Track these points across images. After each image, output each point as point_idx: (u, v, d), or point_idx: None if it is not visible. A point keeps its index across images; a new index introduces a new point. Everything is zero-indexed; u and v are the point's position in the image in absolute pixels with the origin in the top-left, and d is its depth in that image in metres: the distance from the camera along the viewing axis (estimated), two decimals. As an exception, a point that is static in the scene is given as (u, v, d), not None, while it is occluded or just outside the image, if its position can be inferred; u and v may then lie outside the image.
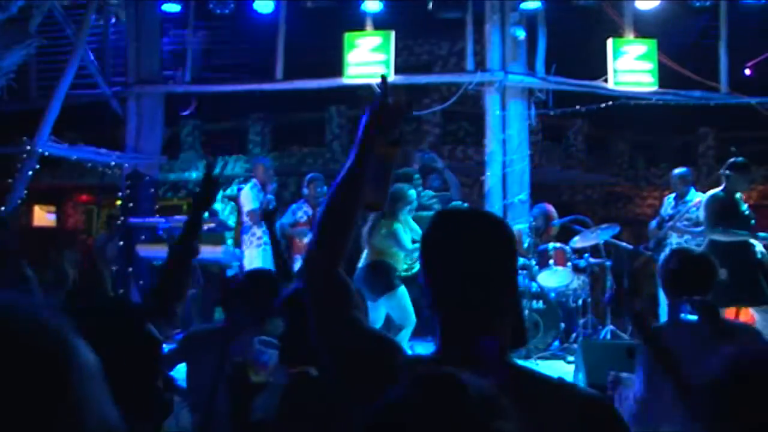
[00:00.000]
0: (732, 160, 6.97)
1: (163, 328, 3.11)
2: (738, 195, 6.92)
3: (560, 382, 1.59)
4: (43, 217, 17.83)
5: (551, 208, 8.59)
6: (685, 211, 7.80)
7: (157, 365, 1.86)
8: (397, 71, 9.93)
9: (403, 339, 6.67)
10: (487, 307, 1.55)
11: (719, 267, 3.70)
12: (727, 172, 6.89)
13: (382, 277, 6.79)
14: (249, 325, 3.50)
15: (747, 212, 6.91)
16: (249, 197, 8.51)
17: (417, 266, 7.16)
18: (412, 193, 7.16)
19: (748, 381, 1.71)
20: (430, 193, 7.52)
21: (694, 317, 3.30)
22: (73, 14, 10.09)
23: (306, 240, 8.27)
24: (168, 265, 3.21)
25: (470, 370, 1.19)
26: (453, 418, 1.05)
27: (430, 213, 7.22)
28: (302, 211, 8.51)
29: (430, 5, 9.78)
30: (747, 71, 11.10)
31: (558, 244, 8.05)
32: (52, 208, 17.89)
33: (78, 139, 10.90)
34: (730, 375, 1.74)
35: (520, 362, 1.63)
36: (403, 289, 6.81)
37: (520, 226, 8.57)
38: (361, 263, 7.02)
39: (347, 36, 9.89)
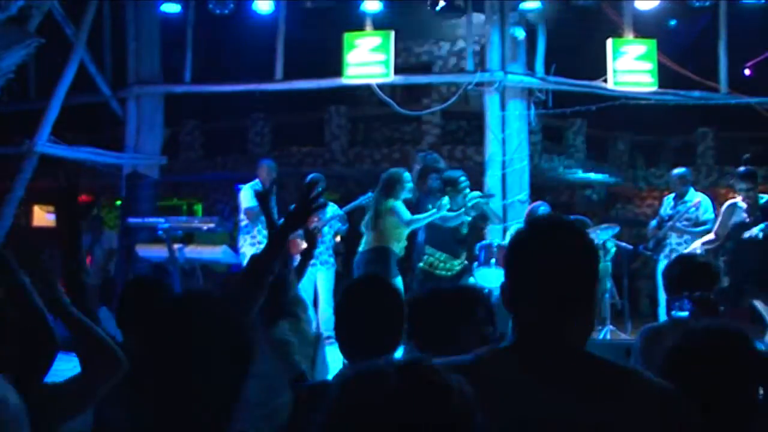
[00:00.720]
0: (739, 168, 7.08)
1: None
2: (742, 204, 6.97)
3: (635, 372, 1.65)
4: (43, 217, 17.83)
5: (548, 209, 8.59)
6: (685, 211, 7.80)
7: None
8: (397, 71, 9.93)
9: None
10: (564, 310, 1.64)
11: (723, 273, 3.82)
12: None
13: (382, 264, 6.81)
14: None
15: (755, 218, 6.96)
16: (247, 196, 8.50)
17: (457, 267, 7.20)
18: (407, 176, 7.18)
19: (698, 347, 2.03)
20: (477, 194, 7.51)
21: (684, 314, 3.38)
22: (72, 14, 10.08)
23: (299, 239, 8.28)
24: (242, 277, 3.14)
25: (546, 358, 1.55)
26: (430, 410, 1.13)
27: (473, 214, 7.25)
28: None
29: (438, 7, 9.68)
30: (746, 71, 11.10)
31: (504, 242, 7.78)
32: (52, 209, 17.89)
33: (77, 139, 10.90)
34: (683, 341, 2.08)
35: None
36: (399, 280, 6.84)
37: (519, 226, 8.55)
38: (361, 248, 7.07)
39: (347, 36, 9.89)
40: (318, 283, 8.26)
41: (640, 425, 1.54)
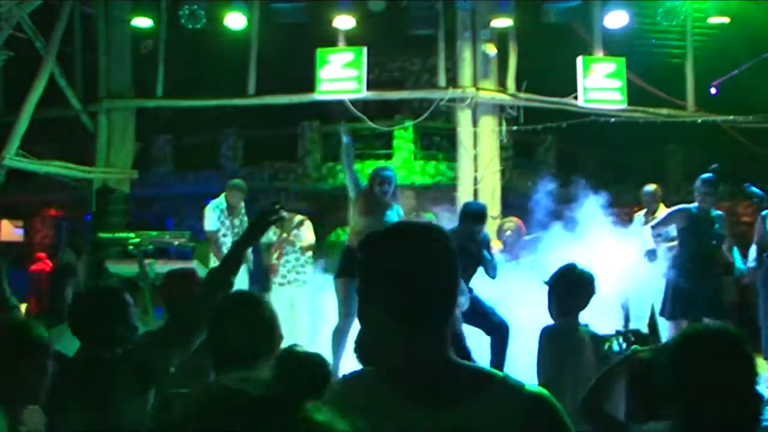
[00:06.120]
0: (702, 175, 7.09)
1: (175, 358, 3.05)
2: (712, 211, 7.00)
3: (506, 379, 1.60)
4: (10, 231, 17.58)
5: (520, 224, 8.65)
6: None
7: None
8: (369, 87, 9.97)
9: (341, 334, 6.47)
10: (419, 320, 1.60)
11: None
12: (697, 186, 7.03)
13: (339, 262, 6.73)
14: None
15: (716, 227, 6.98)
16: (209, 218, 8.36)
17: None
18: (385, 174, 6.81)
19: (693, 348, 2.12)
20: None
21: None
22: (42, 28, 10.00)
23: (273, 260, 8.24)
24: (200, 293, 3.15)
25: None
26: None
27: None
28: (272, 232, 8.43)
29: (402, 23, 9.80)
30: (713, 90, 11.29)
31: None
32: (20, 223, 17.66)
33: (47, 153, 10.79)
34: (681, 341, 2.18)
35: None
36: (355, 282, 6.62)
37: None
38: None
39: (319, 52, 9.91)
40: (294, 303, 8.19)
41: (502, 428, 1.51)
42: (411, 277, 1.58)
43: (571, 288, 3.85)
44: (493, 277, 6.69)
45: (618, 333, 3.09)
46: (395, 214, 6.78)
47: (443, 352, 1.59)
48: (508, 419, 1.52)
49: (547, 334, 3.87)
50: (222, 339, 2.61)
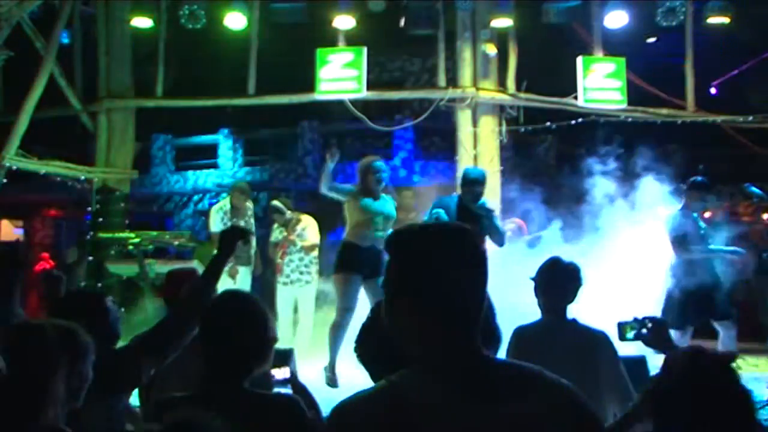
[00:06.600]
0: (692, 178, 7.07)
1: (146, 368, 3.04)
2: (695, 214, 6.96)
3: (548, 376, 1.64)
4: (10, 231, 17.57)
5: (522, 224, 8.67)
6: None
7: None
8: (369, 87, 9.97)
9: (338, 329, 6.46)
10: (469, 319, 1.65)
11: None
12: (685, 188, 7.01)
13: (338, 257, 6.67)
14: None
15: (703, 231, 6.95)
16: (212, 219, 8.47)
17: None
18: (378, 164, 6.87)
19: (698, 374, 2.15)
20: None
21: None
22: (42, 28, 10.00)
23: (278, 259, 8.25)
24: (182, 302, 3.15)
25: None
26: None
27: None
28: (278, 231, 8.44)
29: (402, 22, 9.86)
30: (712, 90, 11.30)
31: None
32: (20, 223, 17.65)
33: (47, 153, 10.78)
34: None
35: None
36: (352, 277, 6.55)
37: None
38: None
39: (319, 52, 9.91)
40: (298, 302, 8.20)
41: (552, 422, 1.55)
42: (448, 274, 1.61)
43: (556, 282, 3.82)
44: (500, 244, 6.71)
45: (635, 320, 3.10)
46: (390, 204, 6.85)
47: (479, 348, 1.63)
48: (558, 416, 1.56)
49: (518, 335, 3.82)
50: (213, 339, 2.60)
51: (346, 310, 6.50)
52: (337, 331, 6.51)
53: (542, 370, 1.64)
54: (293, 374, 3.13)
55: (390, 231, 6.58)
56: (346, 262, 6.57)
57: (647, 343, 3.08)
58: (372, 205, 6.67)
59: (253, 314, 2.62)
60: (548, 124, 10.41)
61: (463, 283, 1.62)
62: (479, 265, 1.66)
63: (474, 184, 6.85)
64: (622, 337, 3.12)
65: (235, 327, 2.56)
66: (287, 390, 2.98)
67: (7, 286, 2.78)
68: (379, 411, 1.53)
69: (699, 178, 7.03)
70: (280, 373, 3.03)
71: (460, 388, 1.56)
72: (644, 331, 3.06)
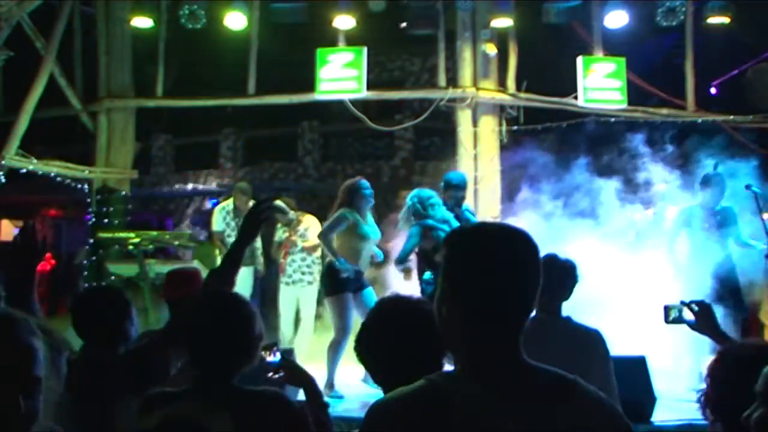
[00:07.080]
0: (705, 174, 7.16)
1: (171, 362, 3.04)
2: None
3: (584, 385, 1.64)
4: (10, 231, 17.58)
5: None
6: None
7: None
8: (369, 87, 9.96)
9: (337, 347, 6.65)
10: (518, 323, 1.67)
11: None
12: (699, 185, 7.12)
13: (328, 279, 6.85)
14: None
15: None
16: (215, 219, 8.65)
17: None
18: (365, 182, 7.03)
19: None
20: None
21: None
22: (42, 27, 10.00)
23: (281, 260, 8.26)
24: (199, 294, 3.12)
25: None
26: None
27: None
28: (281, 231, 8.43)
29: (404, 24, 9.87)
30: (712, 90, 11.30)
31: None
32: (20, 223, 17.66)
33: (47, 153, 10.78)
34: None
35: None
36: (345, 296, 6.74)
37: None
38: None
39: (319, 52, 9.91)
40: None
41: (588, 430, 1.57)
42: (501, 277, 1.60)
43: (551, 278, 3.80)
44: None
45: (683, 303, 3.10)
46: (375, 225, 7.08)
47: (521, 353, 1.62)
48: (595, 425, 1.57)
49: None
50: (198, 339, 2.60)
51: (344, 329, 6.71)
52: (335, 349, 6.72)
53: (577, 378, 1.64)
54: (284, 356, 3.12)
55: (375, 250, 7.03)
56: (338, 283, 6.76)
57: (693, 327, 3.06)
58: (368, 232, 6.90)
59: (238, 314, 2.62)
60: (548, 124, 10.42)
61: (517, 287, 1.61)
62: (536, 270, 1.64)
63: (456, 189, 7.16)
64: (667, 320, 3.12)
65: (220, 327, 2.56)
66: (278, 362, 3.00)
67: (30, 275, 2.75)
68: (419, 410, 1.53)
69: (710, 173, 7.14)
70: (270, 356, 3.03)
71: (500, 391, 1.56)
72: (689, 315, 3.06)
